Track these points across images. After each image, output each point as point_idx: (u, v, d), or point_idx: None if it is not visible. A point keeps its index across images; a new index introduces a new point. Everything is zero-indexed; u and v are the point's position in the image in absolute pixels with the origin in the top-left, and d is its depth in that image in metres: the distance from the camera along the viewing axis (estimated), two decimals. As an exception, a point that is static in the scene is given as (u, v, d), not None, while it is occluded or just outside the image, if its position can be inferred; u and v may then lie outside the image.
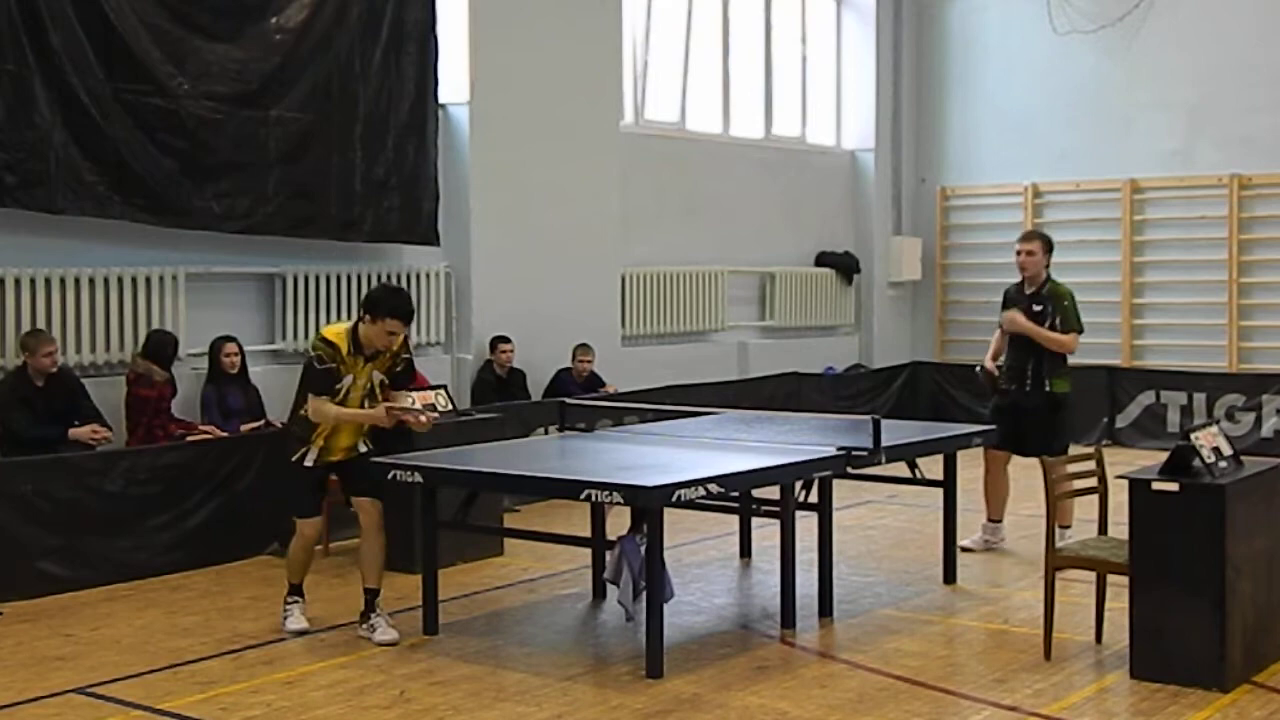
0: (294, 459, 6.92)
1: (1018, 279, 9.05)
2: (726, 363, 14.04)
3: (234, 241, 9.97)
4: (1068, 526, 8.30)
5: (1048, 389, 8.72)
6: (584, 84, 12.41)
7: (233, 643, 6.85)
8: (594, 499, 6.26)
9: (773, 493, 7.07)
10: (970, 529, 9.11)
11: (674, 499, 6.14)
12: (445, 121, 11.34)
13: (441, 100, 11.19)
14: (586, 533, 7.53)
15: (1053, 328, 8.71)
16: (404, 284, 11.14)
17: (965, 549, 8.74)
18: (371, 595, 6.97)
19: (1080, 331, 8.82)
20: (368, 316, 6.69)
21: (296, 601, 7.15)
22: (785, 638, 6.93)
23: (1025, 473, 9.37)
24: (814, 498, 7.35)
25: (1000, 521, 9.06)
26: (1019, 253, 8.92)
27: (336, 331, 6.76)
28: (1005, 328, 8.85)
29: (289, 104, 10.08)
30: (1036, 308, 8.77)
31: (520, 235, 11.81)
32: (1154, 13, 14.74)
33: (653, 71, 13.77)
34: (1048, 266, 8.93)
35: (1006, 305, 9.01)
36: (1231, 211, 14.42)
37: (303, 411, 6.85)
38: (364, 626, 6.92)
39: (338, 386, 6.77)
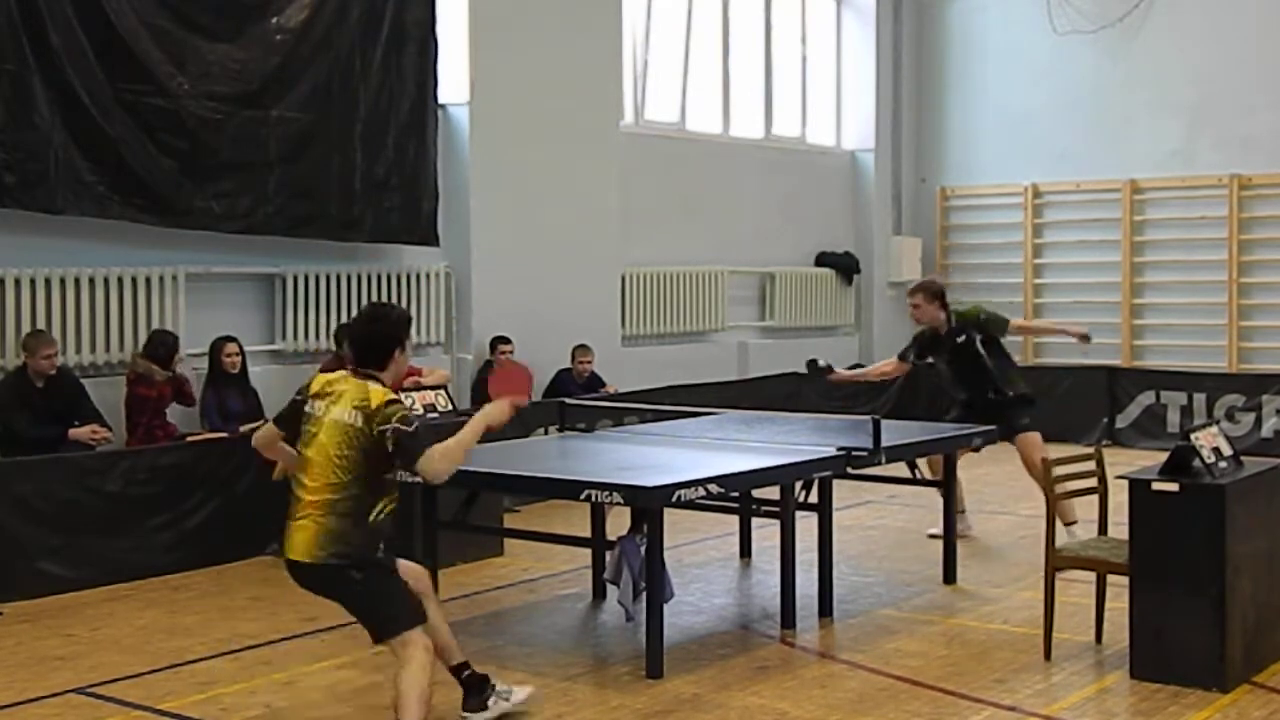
0: (382, 562, 5.29)
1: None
2: (726, 363, 14.04)
3: (234, 241, 9.97)
4: (1073, 523, 8.32)
5: (1013, 395, 8.91)
6: (584, 84, 12.41)
7: (233, 643, 6.84)
8: (594, 499, 6.25)
9: (773, 493, 7.07)
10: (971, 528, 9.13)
11: (674, 499, 6.14)
12: (445, 121, 11.35)
13: (441, 100, 11.20)
14: (586, 533, 7.52)
15: (985, 343, 8.91)
16: (404, 284, 11.18)
17: (934, 536, 8.84)
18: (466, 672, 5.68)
19: (1009, 320, 9.18)
20: (397, 350, 5.38)
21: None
22: (785, 638, 6.93)
23: (1026, 473, 9.37)
24: (814, 498, 7.35)
25: (964, 512, 9.13)
26: (909, 305, 9.21)
27: (379, 392, 5.21)
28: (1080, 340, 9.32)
29: (289, 104, 10.08)
30: (960, 339, 8.96)
31: (520, 235, 11.81)
32: (1154, 13, 14.75)
33: (653, 71, 13.78)
34: (945, 308, 9.05)
35: (923, 344, 9.20)
36: (1231, 211, 14.43)
37: (381, 512, 5.25)
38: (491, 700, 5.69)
39: None
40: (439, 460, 5.17)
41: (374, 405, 5.12)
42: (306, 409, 5.26)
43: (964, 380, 9.05)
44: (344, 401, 5.18)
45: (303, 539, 5.11)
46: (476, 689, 5.61)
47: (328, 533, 5.08)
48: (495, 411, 5.42)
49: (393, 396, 5.23)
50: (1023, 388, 9.03)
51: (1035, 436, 8.89)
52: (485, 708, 5.59)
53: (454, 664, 5.61)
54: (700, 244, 14.04)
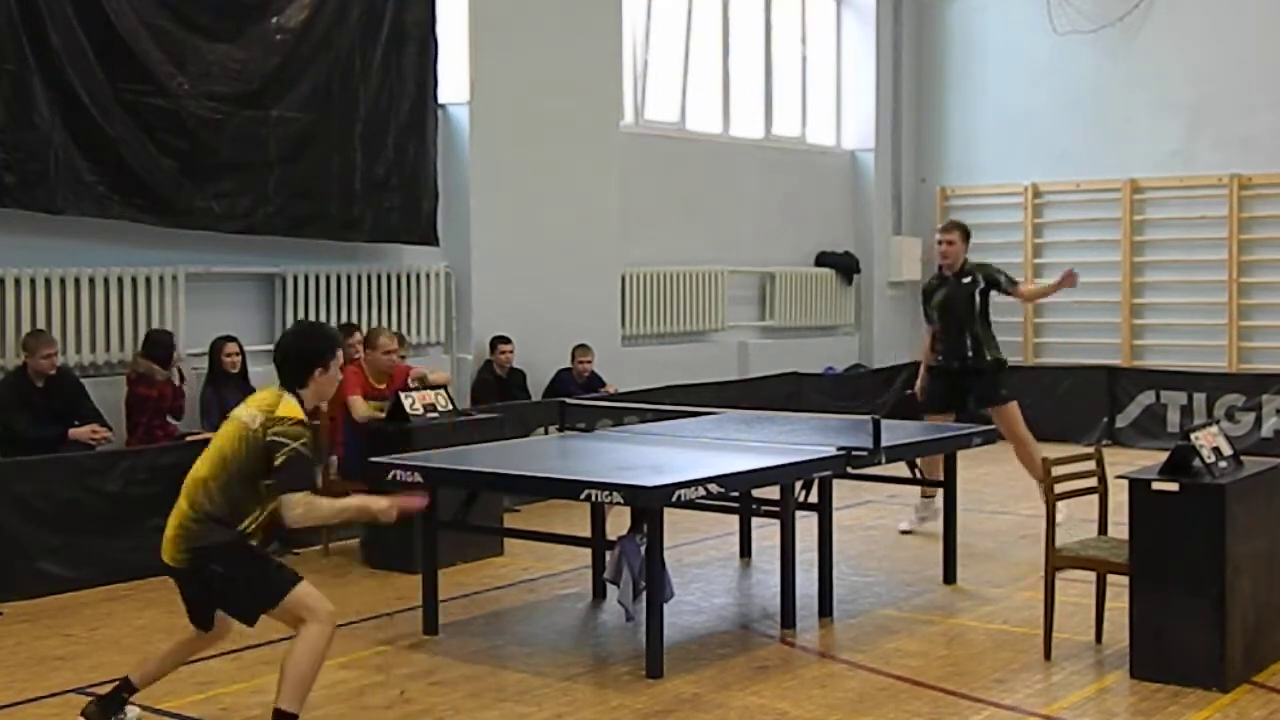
0: (249, 544, 5.21)
1: (1018, 279, 9.60)
2: (726, 363, 14.04)
3: (234, 241, 9.97)
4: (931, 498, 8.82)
5: (989, 357, 9.33)
6: (584, 84, 12.41)
7: (232, 643, 6.78)
8: (594, 499, 6.25)
9: (773, 493, 7.07)
10: (970, 528, 9.11)
11: (674, 499, 6.14)
12: (445, 121, 11.35)
13: (441, 100, 11.20)
14: (586, 533, 7.52)
15: (984, 293, 9.37)
16: (404, 284, 11.17)
17: (906, 532, 9.34)
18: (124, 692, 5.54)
19: (1018, 281, 9.75)
20: (318, 370, 5.24)
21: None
22: (785, 638, 6.93)
23: (1026, 473, 9.38)
24: (814, 498, 7.35)
25: (933, 498, 9.16)
26: (940, 242, 9.54)
27: (291, 406, 5.16)
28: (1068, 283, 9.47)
29: (289, 104, 10.09)
30: (965, 280, 9.38)
31: (520, 235, 11.81)
32: (1154, 13, 14.75)
33: (653, 71, 13.78)
34: (965, 254, 9.52)
35: (929, 296, 9.60)
36: (1231, 211, 14.43)
37: (256, 512, 5.17)
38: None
39: None
40: (306, 509, 5.09)
41: (278, 414, 5.08)
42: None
43: (946, 332, 9.37)
44: (252, 403, 5.19)
45: (168, 536, 5.19)
46: (110, 704, 5.49)
47: (189, 533, 5.11)
48: (381, 507, 5.27)
49: (302, 418, 5.14)
50: (999, 353, 9.40)
51: (1014, 408, 9.30)
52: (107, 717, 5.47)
53: (134, 681, 5.53)
54: (700, 244, 14.03)
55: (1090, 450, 6.93)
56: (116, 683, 5.57)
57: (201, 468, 5.19)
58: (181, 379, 9.33)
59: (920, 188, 16.54)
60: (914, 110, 16.45)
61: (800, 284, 15.21)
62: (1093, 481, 6.69)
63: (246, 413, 5.17)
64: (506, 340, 11.38)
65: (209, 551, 5.10)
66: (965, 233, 9.49)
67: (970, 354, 9.26)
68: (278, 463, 5.03)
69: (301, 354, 5.27)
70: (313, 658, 5.10)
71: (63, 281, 9.15)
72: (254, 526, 5.18)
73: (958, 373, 9.26)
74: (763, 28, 15.06)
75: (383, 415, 8.71)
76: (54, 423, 8.50)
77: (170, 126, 9.41)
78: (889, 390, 14.79)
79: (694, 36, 14.12)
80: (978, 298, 9.29)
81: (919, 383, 9.74)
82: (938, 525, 8.50)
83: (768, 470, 6.86)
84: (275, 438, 5.03)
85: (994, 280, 9.39)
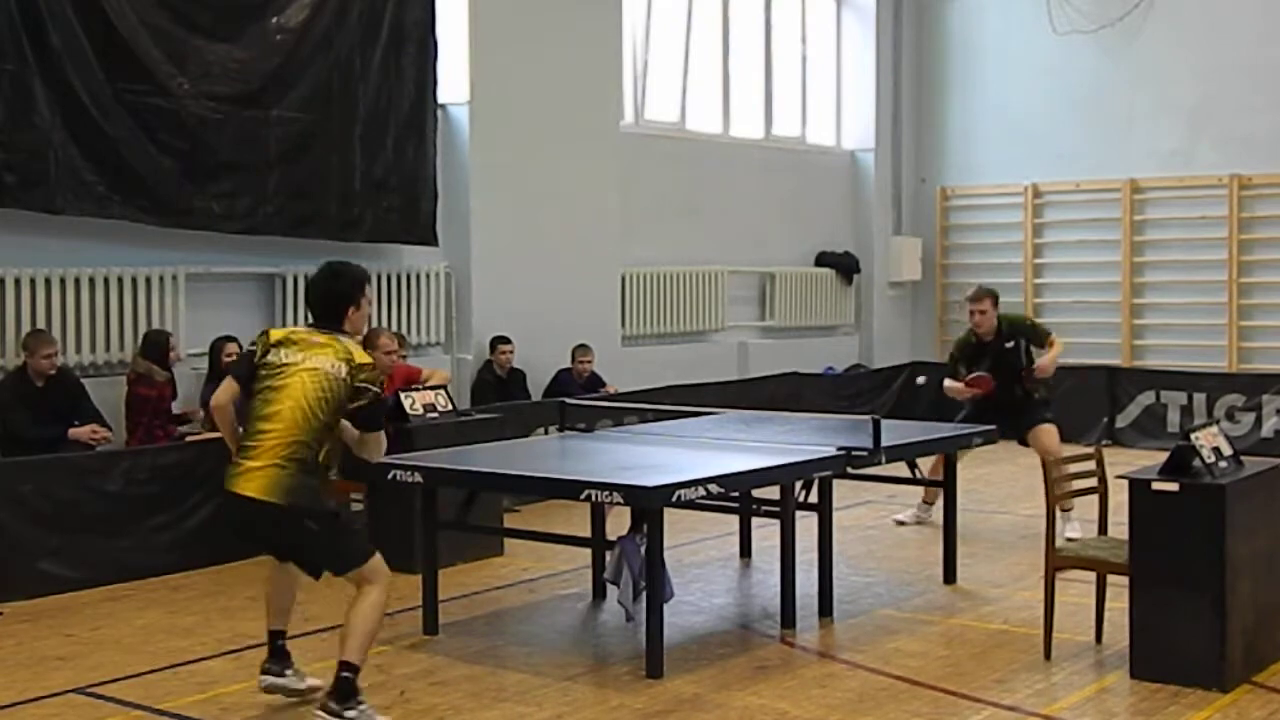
0: (330, 509, 5.60)
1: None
2: (726, 363, 14.04)
3: (234, 241, 9.97)
4: (1069, 509, 8.54)
5: (1036, 396, 9.40)
6: (584, 84, 12.41)
7: (233, 643, 6.84)
8: (594, 499, 6.25)
9: (773, 493, 7.07)
10: (971, 528, 9.12)
11: (674, 499, 6.13)
12: (445, 121, 11.35)
13: (441, 100, 11.20)
14: (586, 533, 7.52)
15: (1029, 351, 9.37)
16: (404, 284, 11.17)
17: (900, 522, 9.66)
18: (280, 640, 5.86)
19: (1050, 333, 9.62)
20: (350, 309, 5.62)
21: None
22: (785, 638, 6.93)
23: (1026, 473, 9.39)
24: (814, 498, 7.35)
25: (933, 504, 9.41)
26: (973, 313, 9.43)
27: (365, 354, 5.60)
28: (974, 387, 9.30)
29: (289, 104, 10.09)
30: (1009, 344, 9.36)
31: (520, 235, 11.81)
32: (1154, 13, 14.75)
33: (653, 71, 13.78)
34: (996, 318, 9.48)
35: (968, 358, 9.47)
36: (1231, 211, 14.43)
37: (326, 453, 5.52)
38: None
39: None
40: (379, 446, 5.68)
41: (358, 361, 5.48)
42: (269, 358, 5.51)
43: (998, 385, 9.33)
44: (326, 353, 5.47)
45: (263, 482, 5.34)
46: (284, 658, 5.84)
47: (291, 479, 5.34)
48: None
49: (370, 360, 5.59)
50: (1045, 393, 9.46)
51: (1054, 430, 9.31)
52: (283, 676, 5.81)
53: (274, 628, 5.84)
54: (700, 244, 14.04)
55: (1090, 450, 6.93)
56: (270, 637, 5.82)
57: (288, 418, 5.38)
58: (176, 394, 9.31)
59: (920, 188, 16.55)
60: (914, 110, 16.45)
61: (800, 284, 15.22)
62: (1093, 481, 6.70)
63: (325, 362, 5.45)
64: (506, 340, 11.38)
65: (308, 511, 5.39)
66: (995, 299, 9.48)
67: (1021, 395, 9.33)
68: (362, 404, 5.48)
69: (332, 296, 5.64)
70: (378, 614, 5.42)
71: (63, 281, 9.15)
72: (326, 456, 5.51)
73: (1006, 408, 9.23)
74: (763, 28, 15.06)
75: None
76: (54, 423, 8.50)
77: (170, 126, 9.41)
78: (887, 391, 14.80)
79: (694, 36, 14.13)
80: (1023, 356, 9.37)
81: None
82: (937, 524, 8.51)
83: (768, 470, 6.85)
84: (363, 384, 5.46)
85: (1037, 335, 9.51)
